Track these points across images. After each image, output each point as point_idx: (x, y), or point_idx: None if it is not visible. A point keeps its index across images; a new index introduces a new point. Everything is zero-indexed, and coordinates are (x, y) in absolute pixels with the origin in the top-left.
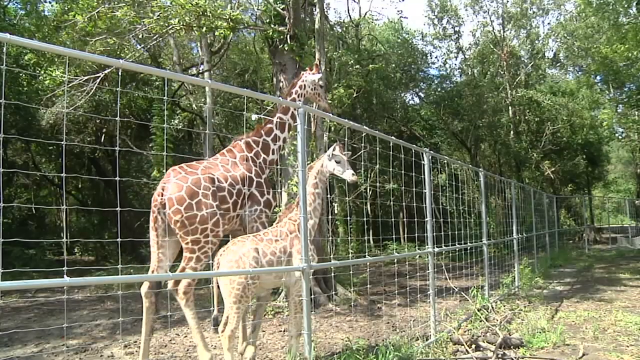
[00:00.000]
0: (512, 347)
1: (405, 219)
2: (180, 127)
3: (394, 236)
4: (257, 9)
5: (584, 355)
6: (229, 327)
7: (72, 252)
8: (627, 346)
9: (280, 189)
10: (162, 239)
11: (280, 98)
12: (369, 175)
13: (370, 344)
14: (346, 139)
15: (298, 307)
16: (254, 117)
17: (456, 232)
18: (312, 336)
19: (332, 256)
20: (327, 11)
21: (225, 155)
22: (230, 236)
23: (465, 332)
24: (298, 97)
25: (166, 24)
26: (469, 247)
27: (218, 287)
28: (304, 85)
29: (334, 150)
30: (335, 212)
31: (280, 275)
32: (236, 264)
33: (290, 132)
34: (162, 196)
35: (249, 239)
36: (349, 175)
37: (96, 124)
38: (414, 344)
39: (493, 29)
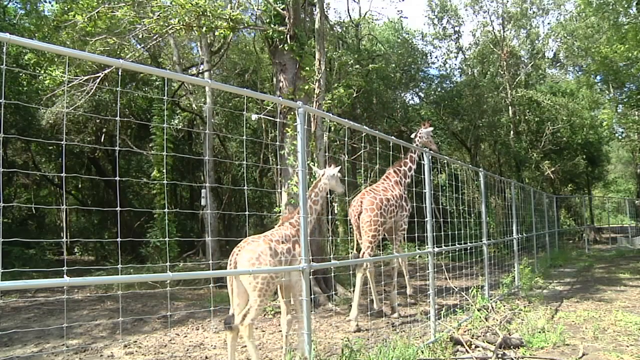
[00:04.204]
0: (512, 347)
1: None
2: (180, 127)
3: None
4: (257, 9)
5: (583, 355)
6: (250, 317)
7: (72, 252)
8: (627, 346)
9: (280, 189)
10: (357, 231)
11: (280, 98)
12: (368, 175)
13: (370, 344)
14: (346, 139)
15: (300, 305)
16: (254, 117)
17: (456, 232)
18: (312, 336)
19: (332, 256)
20: (327, 11)
21: (386, 180)
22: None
23: (465, 332)
24: (419, 143)
25: (166, 24)
26: (468, 247)
27: (231, 286)
28: (422, 137)
29: (337, 171)
30: (335, 212)
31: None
32: (257, 261)
33: (291, 132)
34: (361, 206)
35: (261, 239)
36: (342, 189)
37: (96, 124)
38: (414, 344)
39: (493, 29)
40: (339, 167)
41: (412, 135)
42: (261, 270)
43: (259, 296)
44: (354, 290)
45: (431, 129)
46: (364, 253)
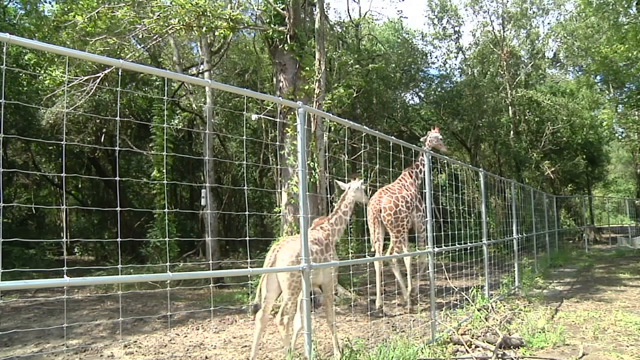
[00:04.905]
0: (512, 347)
1: None
2: (180, 127)
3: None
4: (257, 9)
5: (583, 355)
6: (288, 315)
7: (72, 252)
8: (627, 346)
9: (280, 189)
10: (378, 229)
11: (280, 98)
12: (369, 175)
13: (370, 344)
14: (346, 139)
15: (330, 302)
16: (254, 117)
17: (456, 232)
18: (312, 336)
19: None
20: (327, 11)
21: (402, 180)
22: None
23: (465, 332)
24: (428, 146)
25: (166, 24)
26: (468, 247)
27: (263, 280)
28: (431, 140)
29: (361, 184)
30: None
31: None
32: (296, 259)
33: (291, 132)
34: (379, 204)
35: (298, 239)
36: (367, 200)
37: (96, 124)
38: (414, 344)
39: (493, 29)
40: (362, 180)
41: (422, 139)
42: (260, 270)
43: (292, 294)
44: (354, 290)
45: (440, 136)
46: (392, 247)
